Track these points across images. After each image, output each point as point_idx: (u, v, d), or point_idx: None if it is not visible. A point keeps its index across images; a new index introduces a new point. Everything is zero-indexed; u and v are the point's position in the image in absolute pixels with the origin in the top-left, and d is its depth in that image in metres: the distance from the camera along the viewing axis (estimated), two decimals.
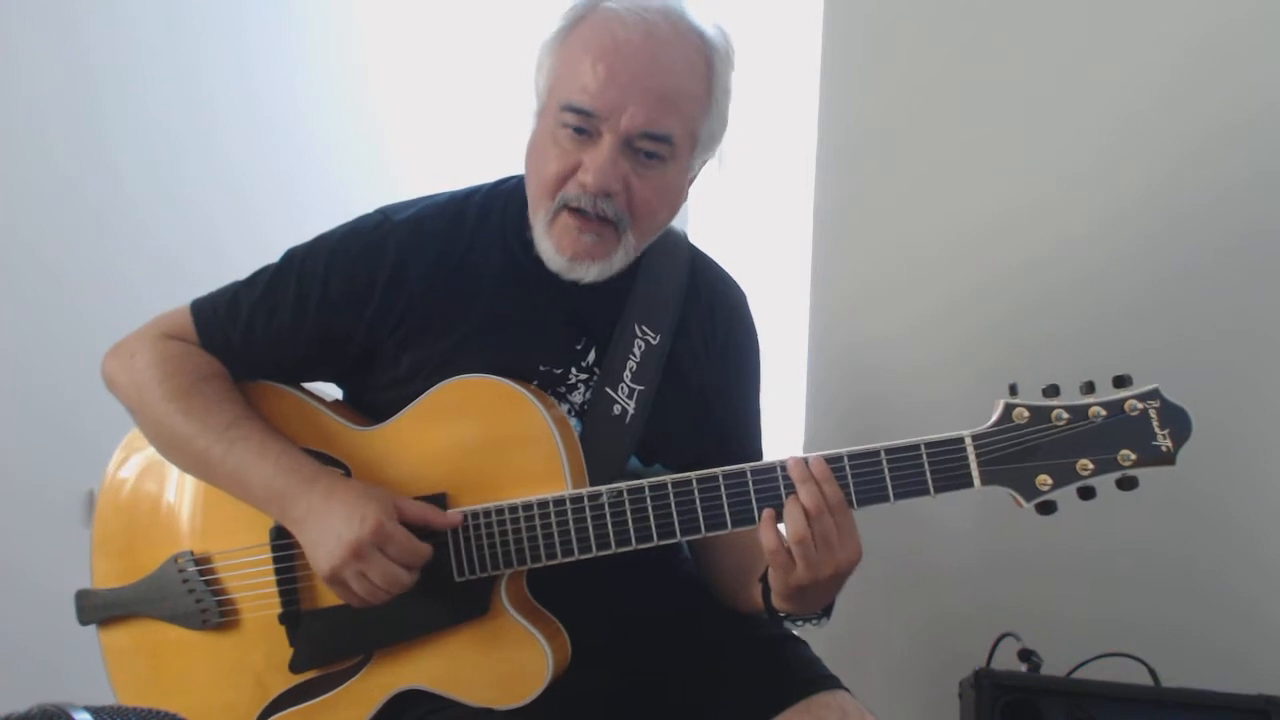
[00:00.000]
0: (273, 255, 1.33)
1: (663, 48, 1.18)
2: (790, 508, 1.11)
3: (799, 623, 1.21)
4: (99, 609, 1.36)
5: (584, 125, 1.18)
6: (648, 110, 1.17)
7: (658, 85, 1.18)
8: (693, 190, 1.26)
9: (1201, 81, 1.61)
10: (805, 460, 1.12)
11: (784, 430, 2.21)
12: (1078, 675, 1.53)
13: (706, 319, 1.38)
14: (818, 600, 1.17)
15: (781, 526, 1.12)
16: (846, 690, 1.28)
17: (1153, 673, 1.50)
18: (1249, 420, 1.60)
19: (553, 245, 1.23)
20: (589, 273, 1.24)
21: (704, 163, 1.30)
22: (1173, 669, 1.50)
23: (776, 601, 1.18)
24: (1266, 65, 1.57)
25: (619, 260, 1.24)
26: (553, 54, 1.22)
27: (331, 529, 1.16)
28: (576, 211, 1.21)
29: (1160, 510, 1.65)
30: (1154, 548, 1.67)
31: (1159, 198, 1.64)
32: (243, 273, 1.34)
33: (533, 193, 1.25)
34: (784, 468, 1.12)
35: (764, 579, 1.19)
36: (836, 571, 1.12)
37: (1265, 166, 1.57)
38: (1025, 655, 1.51)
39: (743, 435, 1.41)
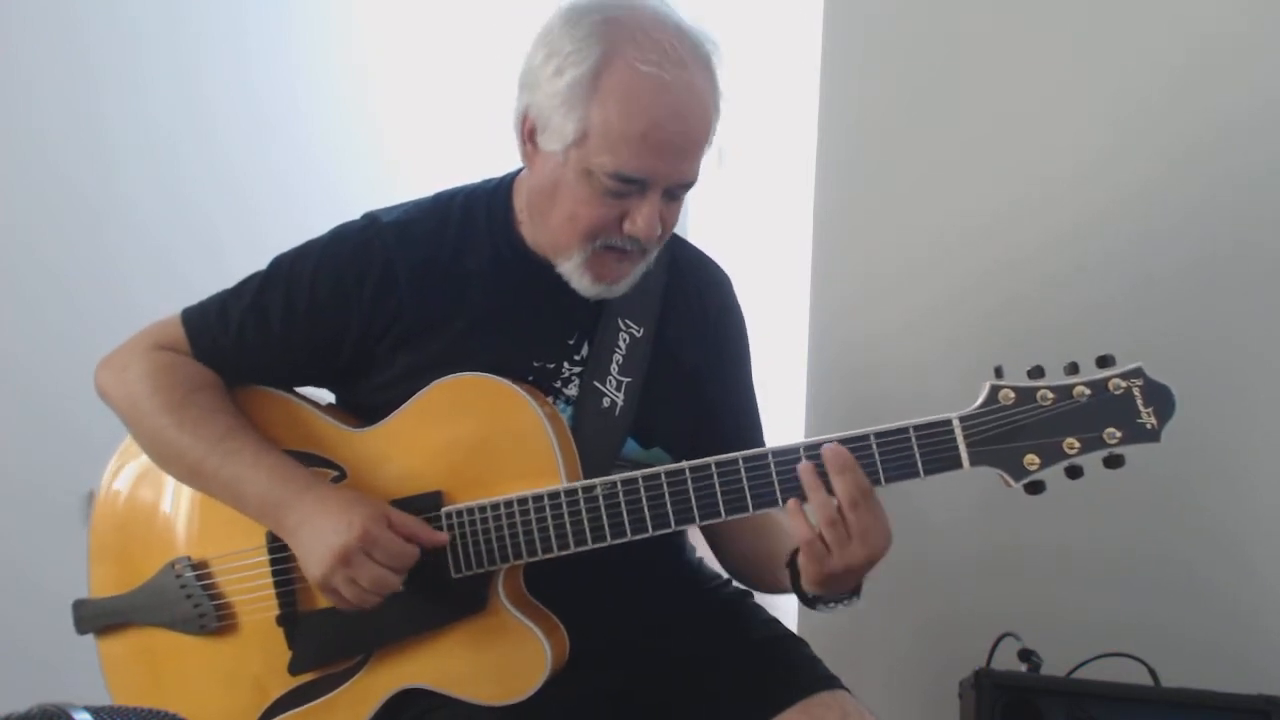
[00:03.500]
0: (272, 255, 1.33)
1: (699, 102, 1.18)
2: (819, 498, 1.10)
3: (831, 605, 1.20)
4: (97, 618, 1.36)
5: (629, 188, 1.19)
6: (690, 164, 1.21)
7: (697, 139, 1.20)
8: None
9: (1196, 82, 1.61)
10: (837, 446, 1.11)
11: (784, 430, 2.21)
12: (1078, 675, 1.53)
13: (695, 302, 1.39)
14: (848, 583, 1.17)
15: (809, 511, 1.11)
16: (846, 690, 1.28)
17: (1153, 673, 1.50)
18: (1247, 419, 1.60)
19: (590, 278, 1.25)
20: (620, 290, 1.27)
21: None
22: (1173, 669, 1.50)
23: (807, 585, 1.17)
24: (1262, 66, 1.57)
25: (642, 271, 1.28)
26: (580, 103, 1.16)
27: (322, 537, 1.17)
28: (617, 249, 1.23)
29: (1160, 511, 1.65)
30: (1154, 548, 1.67)
31: (1156, 197, 1.64)
32: (242, 273, 1.34)
33: (562, 233, 1.24)
34: (804, 453, 1.11)
35: (791, 564, 1.19)
36: (870, 558, 1.12)
37: (1261, 167, 1.57)
38: (1025, 655, 1.51)
39: (737, 413, 1.43)
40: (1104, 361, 1.10)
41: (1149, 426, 1.08)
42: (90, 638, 1.38)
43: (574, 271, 1.25)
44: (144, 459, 1.33)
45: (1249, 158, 1.58)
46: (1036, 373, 1.11)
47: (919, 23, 1.85)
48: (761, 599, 1.45)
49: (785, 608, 2.23)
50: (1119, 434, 1.08)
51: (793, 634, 1.39)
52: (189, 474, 1.28)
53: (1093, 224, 1.69)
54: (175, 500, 1.35)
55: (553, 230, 1.25)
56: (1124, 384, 1.09)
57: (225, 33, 2.60)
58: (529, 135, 1.24)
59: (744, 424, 1.43)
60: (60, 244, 2.31)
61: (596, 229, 1.21)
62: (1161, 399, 1.08)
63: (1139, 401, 1.08)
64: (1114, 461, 1.09)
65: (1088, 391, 1.09)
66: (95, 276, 2.35)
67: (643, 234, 1.20)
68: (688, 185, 1.23)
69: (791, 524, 1.12)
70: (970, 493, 1.61)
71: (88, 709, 0.74)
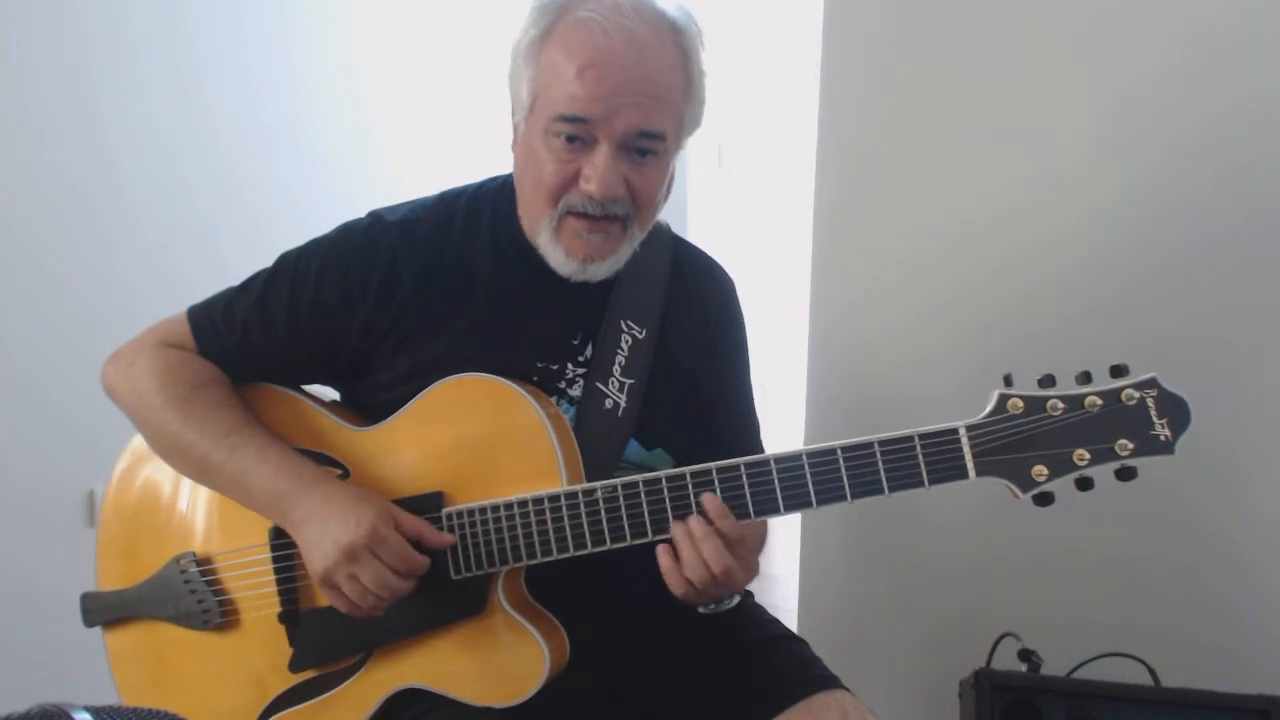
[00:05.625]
0: (271, 257, 1.33)
1: (644, 50, 1.18)
2: (687, 553, 1.14)
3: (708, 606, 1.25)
4: (103, 610, 1.37)
5: (578, 133, 1.18)
6: (640, 111, 1.18)
7: (645, 87, 1.18)
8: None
9: (1194, 80, 1.61)
10: (702, 510, 1.14)
11: (784, 430, 2.21)
12: (1078, 675, 1.52)
13: (695, 307, 1.39)
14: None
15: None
16: (847, 690, 1.28)
17: (1153, 673, 1.50)
18: (1247, 419, 1.60)
19: (563, 251, 1.24)
20: (600, 271, 1.25)
21: (688, 140, 1.31)
22: (1173, 669, 1.50)
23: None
24: (1259, 64, 1.57)
25: (626, 253, 1.26)
26: (532, 62, 1.20)
27: (328, 531, 1.17)
28: (582, 215, 1.22)
29: (1160, 511, 1.65)
30: (1154, 548, 1.67)
31: (1156, 198, 1.64)
32: (241, 275, 1.34)
33: (532, 202, 1.25)
34: (806, 460, 1.13)
35: None
36: (727, 590, 1.19)
37: (1259, 164, 1.57)
38: (1025, 655, 1.51)
39: (734, 417, 1.43)
40: (1117, 371, 1.08)
41: (1163, 438, 1.07)
42: (91, 633, 1.38)
43: (548, 246, 1.24)
44: (153, 455, 1.34)
45: (1249, 158, 1.58)
46: (1047, 381, 1.09)
47: (919, 23, 1.85)
48: (762, 599, 1.45)
49: (785, 608, 2.23)
50: (1131, 445, 1.07)
51: (793, 634, 1.39)
52: (196, 469, 1.28)
53: (1093, 225, 1.69)
54: (182, 496, 1.35)
55: (527, 206, 1.26)
56: (1138, 394, 1.07)
57: (224, 34, 2.60)
58: (512, 115, 1.26)
59: (740, 427, 1.43)
60: (60, 244, 2.32)
61: (557, 189, 1.21)
62: (1176, 410, 1.07)
63: (1153, 412, 1.07)
64: (1126, 473, 1.07)
65: (1100, 401, 1.07)
66: (95, 276, 2.36)
67: (596, 189, 1.19)
68: (647, 136, 1.20)
69: (664, 572, 1.16)
70: (971, 493, 1.61)
71: (88, 709, 0.74)
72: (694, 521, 1.14)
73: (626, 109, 1.17)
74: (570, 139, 1.19)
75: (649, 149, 1.21)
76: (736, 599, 1.25)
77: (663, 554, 1.15)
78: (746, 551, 1.17)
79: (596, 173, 1.18)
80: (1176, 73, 1.63)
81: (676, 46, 1.21)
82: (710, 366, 1.40)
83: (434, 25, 3.00)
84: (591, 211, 1.21)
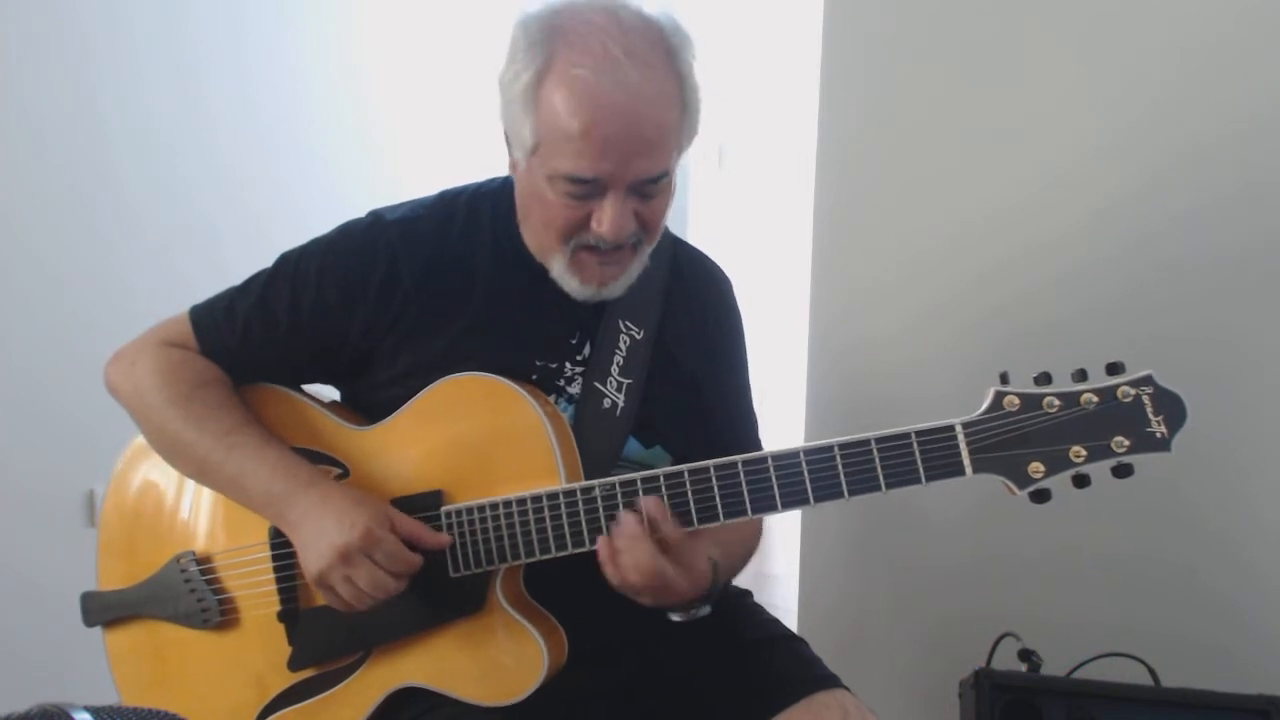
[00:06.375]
0: (271, 258, 1.34)
1: (643, 99, 1.15)
2: (628, 559, 1.14)
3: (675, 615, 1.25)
4: (104, 610, 1.37)
5: (586, 190, 1.18)
6: (645, 160, 1.17)
7: (649, 134, 1.17)
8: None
9: (1195, 84, 1.61)
10: (638, 512, 1.15)
11: (784, 430, 2.21)
12: (1078, 675, 1.52)
13: (694, 307, 1.40)
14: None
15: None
16: (847, 689, 1.28)
17: (1153, 673, 1.50)
18: (1247, 419, 1.60)
19: (578, 280, 1.24)
20: (615, 290, 1.26)
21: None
22: (1173, 669, 1.50)
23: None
24: (1259, 64, 1.57)
25: (637, 269, 1.27)
26: (529, 109, 1.17)
27: (323, 533, 1.17)
28: (595, 249, 1.22)
29: (1160, 511, 1.65)
30: (1154, 548, 1.67)
31: (1156, 198, 1.64)
32: (241, 275, 1.34)
33: (541, 235, 1.25)
34: (804, 457, 1.13)
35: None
36: (680, 599, 1.19)
37: (1260, 164, 1.57)
38: (1025, 655, 1.51)
39: (733, 415, 1.43)
40: (1113, 368, 1.08)
41: (1159, 435, 1.07)
42: (90, 632, 1.39)
43: (562, 275, 1.25)
44: (153, 455, 1.34)
45: (1249, 158, 1.58)
46: (1043, 379, 1.10)
47: (919, 22, 1.85)
48: (762, 599, 1.45)
49: (785, 607, 2.23)
50: (1127, 442, 1.07)
51: (793, 634, 1.39)
52: (195, 468, 1.29)
53: (1093, 225, 1.69)
54: (183, 496, 1.36)
55: (534, 235, 1.26)
56: (1133, 391, 1.07)
57: (224, 34, 2.60)
58: (507, 143, 1.25)
59: (739, 426, 1.43)
60: (60, 244, 2.32)
61: (568, 231, 1.21)
62: (1172, 407, 1.07)
63: (1149, 409, 1.07)
64: (1122, 470, 1.08)
65: (1095, 399, 1.08)
66: (95, 276, 2.36)
67: (608, 234, 1.19)
68: (652, 181, 1.19)
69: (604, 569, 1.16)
70: (971, 493, 1.61)
71: (88, 709, 0.74)
72: (629, 522, 1.14)
73: (632, 162, 1.16)
74: (578, 190, 1.18)
75: (655, 188, 1.21)
76: (706, 609, 1.23)
77: (602, 545, 1.16)
78: (689, 557, 1.16)
79: (608, 218, 1.18)
80: (1176, 73, 1.63)
81: (671, 74, 1.18)
82: (709, 366, 1.40)
83: (434, 25, 3.00)
84: (605, 248, 1.22)
